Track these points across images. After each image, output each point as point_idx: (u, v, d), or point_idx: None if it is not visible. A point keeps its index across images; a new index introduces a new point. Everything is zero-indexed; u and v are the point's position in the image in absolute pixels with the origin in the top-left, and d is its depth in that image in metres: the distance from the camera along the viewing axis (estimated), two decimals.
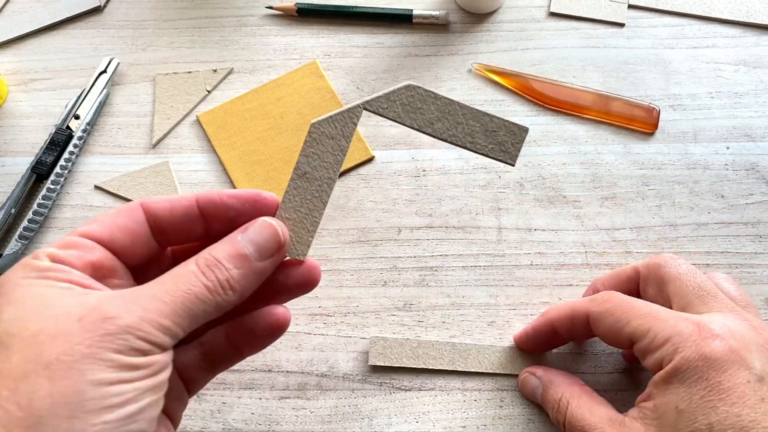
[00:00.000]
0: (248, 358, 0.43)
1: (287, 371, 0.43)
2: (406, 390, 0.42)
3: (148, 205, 0.26)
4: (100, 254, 0.25)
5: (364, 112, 0.27)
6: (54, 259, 0.24)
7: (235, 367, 0.43)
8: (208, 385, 0.43)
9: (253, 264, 0.25)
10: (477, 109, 0.27)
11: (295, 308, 0.45)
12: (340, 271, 0.46)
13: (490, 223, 0.46)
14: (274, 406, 0.42)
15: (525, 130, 0.27)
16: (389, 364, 0.40)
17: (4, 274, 0.24)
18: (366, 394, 0.42)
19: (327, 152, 0.27)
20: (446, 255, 0.46)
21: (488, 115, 0.27)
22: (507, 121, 0.27)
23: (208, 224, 0.27)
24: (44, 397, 0.20)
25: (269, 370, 0.43)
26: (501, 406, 0.41)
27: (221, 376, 0.43)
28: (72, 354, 0.21)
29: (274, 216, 0.27)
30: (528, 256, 0.45)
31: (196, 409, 0.42)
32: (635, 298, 0.35)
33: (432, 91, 0.27)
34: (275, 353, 0.43)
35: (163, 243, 0.27)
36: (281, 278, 0.28)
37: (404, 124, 0.27)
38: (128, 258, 0.26)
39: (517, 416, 0.41)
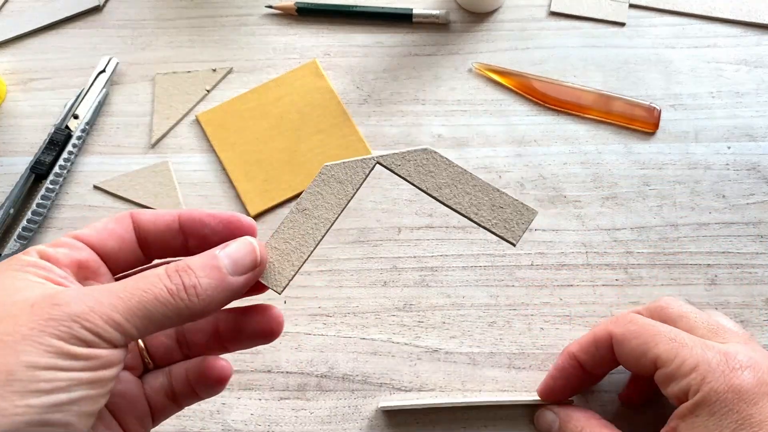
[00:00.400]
0: (247, 358, 0.43)
1: (287, 372, 0.43)
2: (407, 390, 0.42)
3: (136, 215, 0.27)
4: (87, 255, 0.26)
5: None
6: (42, 256, 0.25)
7: (235, 367, 0.43)
8: None
9: (225, 277, 0.25)
10: (488, 184, 0.27)
11: (295, 308, 0.45)
12: (340, 271, 0.45)
13: None
14: (273, 406, 0.42)
15: (533, 212, 0.27)
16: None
17: None
18: (366, 394, 0.42)
19: (332, 194, 0.27)
20: (446, 255, 0.45)
21: (498, 191, 0.27)
22: (517, 201, 0.27)
23: (186, 239, 0.27)
24: None
25: (269, 371, 0.43)
26: (501, 407, 0.41)
27: None
28: (12, 334, 0.21)
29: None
30: (528, 256, 0.45)
31: (196, 410, 0.42)
32: (658, 322, 0.35)
33: (447, 159, 0.27)
34: (275, 354, 0.43)
35: (148, 254, 0.28)
36: (243, 322, 0.28)
37: (413, 184, 0.27)
38: (114, 263, 0.27)
39: (518, 417, 0.41)
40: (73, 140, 0.49)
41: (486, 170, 0.48)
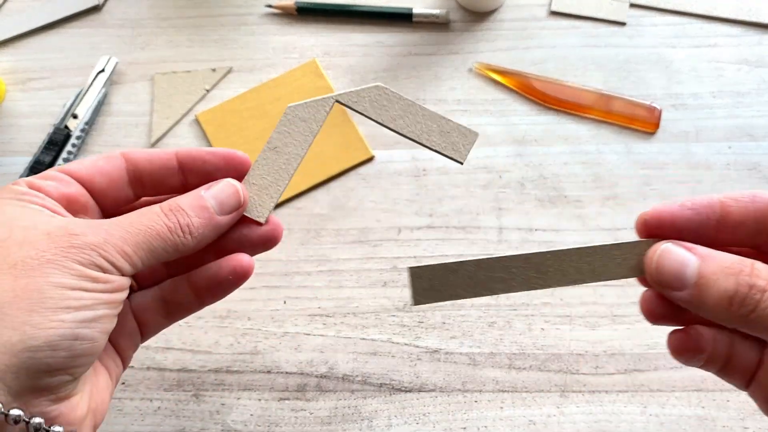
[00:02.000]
0: (247, 359, 0.43)
1: (286, 372, 0.43)
2: (407, 391, 0.42)
3: (129, 154, 0.29)
4: (76, 189, 0.27)
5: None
6: (32, 186, 0.26)
7: (234, 368, 0.43)
8: (207, 387, 0.42)
9: (213, 217, 0.27)
10: (435, 112, 0.31)
11: (294, 309, 0.45)
12: (340, 272, 0.45)
13: (491, 223, 0.46)
14: (273, 407, 0.42)
15: (475, 134, 0.31)
16: (444, 300, 0.28)
17: None
18: (366, 395, 0.42)
19: (298, 132, 0.30)
20: (446, 255, 0.45)
21: (444, 118, 0.31)
22: (460, 124, 0.31)
23: (186, 177, 0.29)
24: (7, 291, 0.22)
25: (268, 371, 0.43)
26: (501, 408, 0.41)
27: (220, 377, 0.43)
28: (38, 258, 0.23)
29: (243, 177, 0.30)
30: None
31: (195, 410, 0.42)
32: None
33: (397, 93, 0.30)
34: (274, 354, 0.43)
35: (138, 192, 0.29)
36: (246, 233, 0.30)
37: (370, 118, 0.30)
38: (103, 200, 0.28)
39: (518, 417, 0.41)
40: (73, 140, 0.49)
41: (486, 170, 0.47)
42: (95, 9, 0.55)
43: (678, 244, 0.26)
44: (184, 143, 0.50)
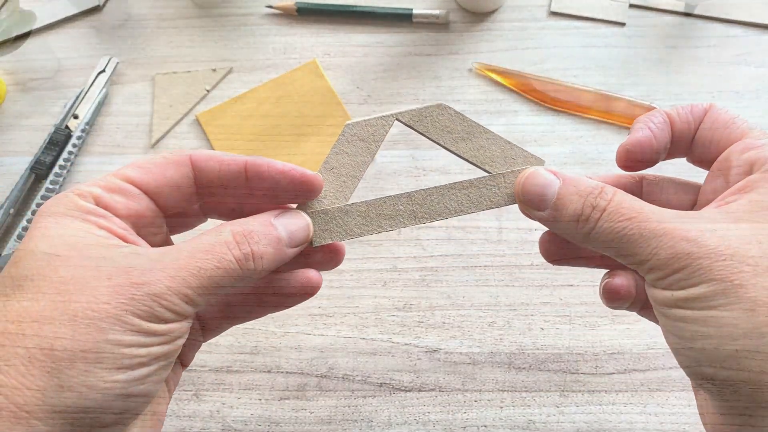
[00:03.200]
0: (247, 359, 0.43)
1: (287, 372, 0.43)
2: (407, 391, 0.42)
3: (198, 163, 0.27)
4: (144, 205, 0.26)
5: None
6: (99, 203, 0.25)
7: (235, 367, 0.43)
8: (207, 386, 0.43)
9: (283, 249, 0.26)
10: (499, 136, 0.29)
11: (295, 308, 0.44)
12: (340, 272, 0.45)
13: (491, 224, 0.46)
14: (273, 407, 0.42)
15: (541, 161, 0.29)
16: (339, 239, 0.30)
17: (45, 204, 0.24)
18: (366, 394, 0.42)
19: (356, 152, 0.29)
20: (446, 255, 0.45)
21: (509, 143, 0.29)
22: (525, 151, 0.29)
23: (251, 188, 0.27)
24: (66, 348, 0.21)
25: (269, 371, 0.43)
26: (501, 407, 0.41)
27: (221, 376, 0.43)
28: (98, 311, 0.22)
29: (313, 197, 0.28)
30: (528, 256, 0.45)
31: (196, 410, 0.42)
32: None
33: (461, 114, 0.29)
34: (275, 354, 0.43)
35: (204, 194, 0.28)
36: (309, 251, 0.29)
37: (431, 139, 0.29)
38: (168, 209, 0.27)
39: (518, 417, 0.41)
40: (73, 140, 0.49)
41: None
42: (96, 9, 0.55)
43: (546, 168, 0.28)
44: (184, 143, 0.50)
